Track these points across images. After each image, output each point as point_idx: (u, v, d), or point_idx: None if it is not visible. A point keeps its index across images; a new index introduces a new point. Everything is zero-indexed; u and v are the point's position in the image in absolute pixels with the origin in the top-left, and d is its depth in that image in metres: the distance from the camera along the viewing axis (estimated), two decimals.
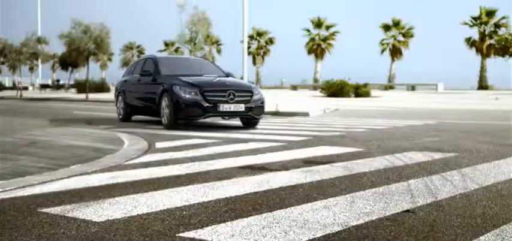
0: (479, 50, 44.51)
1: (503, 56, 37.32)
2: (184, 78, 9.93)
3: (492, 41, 43.39)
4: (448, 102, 23.95)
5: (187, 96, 9.39)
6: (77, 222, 2.94)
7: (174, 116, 9.52)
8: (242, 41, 26.99)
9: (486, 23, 44.41)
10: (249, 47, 60.61)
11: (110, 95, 42.90)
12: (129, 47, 77.33)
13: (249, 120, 9.99)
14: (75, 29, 32.31)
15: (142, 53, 78.76)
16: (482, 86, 46.68)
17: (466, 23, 45.45)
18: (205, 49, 34.18)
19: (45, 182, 4.16)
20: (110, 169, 4.93)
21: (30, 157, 5.55)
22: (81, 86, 45.51)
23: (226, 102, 9.28)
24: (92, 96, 37.48)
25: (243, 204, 3.35)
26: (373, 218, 2.96)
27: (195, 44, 29.72)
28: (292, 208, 3.22)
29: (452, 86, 46.82)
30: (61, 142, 7.05)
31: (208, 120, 10.44)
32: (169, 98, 9.60)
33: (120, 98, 12.51)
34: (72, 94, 46.64)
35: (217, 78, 10.53)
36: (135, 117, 12.35)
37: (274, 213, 3.10)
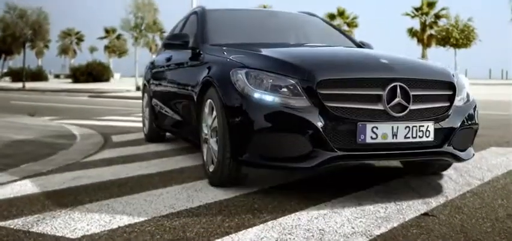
0: (420, 40, 45.75)
1: (444, 46, 38.66)
2: (263, 50, 3.65)
3: (432, 32, 44.79)
4: None
5: (269, 97, 3.09)
6: (46, 239, 2.41)
7: (233, 154, 3.28)
8: None
9: (427, 14, 45.70)
10: None
11: (48, 84, 41.00)
12: (67, 34, 74.22)
13: (438, 158, 3.35)
14: (9, 13, 30.34)
15: (82, 41, 75.84)
16: None
17: (408, 14, 46.60)
18: (148, 36, 33.01)
19: None
20: (68, 168, 4.36)
21: None
22: (17, 74, 43.20)
23: (385, 115, 3.00)
24: (29, 85, 35.55)
25: (239, 210, 2.92)
26: (395, 225, 2.61)
27: (140, 30, 28.58)
28: (297, 213, 2.82)
29: None
30: (4, 137, 6.32)
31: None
32: (219, 102, 3.37)
33: (145, 96, 6.38)
34: (6, 83, 44.08)
35: (349, 50, 4.16)
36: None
37: (280, 220, 2.69)
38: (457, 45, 37.84)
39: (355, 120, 2.94)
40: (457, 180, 3.74)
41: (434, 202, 3.08)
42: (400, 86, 3.01)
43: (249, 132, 3.11)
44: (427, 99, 3.15)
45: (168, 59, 5.31)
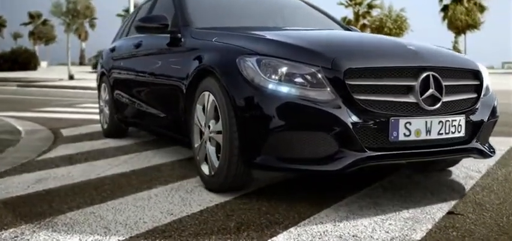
0: None
1: None
2: (266, 34, 3.22)
3: (366, 21, 46.04)
4: None
5: (286, 89, 2.61)
6: None
7: (243, 156, 2.79)
8: (123, 16, 25.16)
9: (360, 4, 46.95)
10: None
11: None
12: None
13: (466, 156, 3.04)
14: None
15: (4, 26, 71.38)
16: None
17: (342, 4, 47.61)
18: (78, 23, 31.32)
19: None
20: (25, 168, 3.85)
21: None
22: None
23: (417, 109, 2.65)
24: None
25: (250, 214, 2.59)
26: (429, 226, 2.39)
27: (73, 16, 26.96)
28: (316, 217, 2.54)
29: None
30: None
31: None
32: (223, 95, 2.87)
33: (104, 87, 5.73)
34: None
35: (371, 36, 4.00)
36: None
37: (304, 227, 2.39)
38: (390, 35, 39.11)
39: (388, 115, 2.55)
40: (455, 172, 3.62)
41: (449, 198, 2.91)
42: (432, 76, 2.66)
43: (263, 131, 2.63)
44: (458, 90, 2.84)
45: (137, 45, 4.67)
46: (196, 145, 3.28)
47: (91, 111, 9.04)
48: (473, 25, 42.38)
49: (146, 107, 4.40)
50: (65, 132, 6.07)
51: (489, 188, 3.17)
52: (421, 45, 3.02)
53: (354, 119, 2.51)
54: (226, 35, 3.32)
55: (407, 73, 2.66)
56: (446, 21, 44.17)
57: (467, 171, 3.64)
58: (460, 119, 2.76)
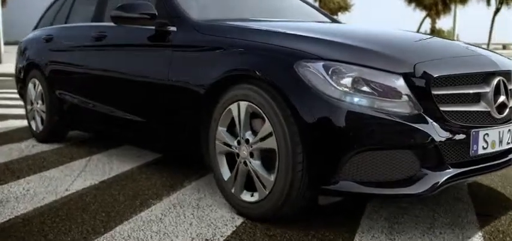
0: None
1: None
2: (315, 34, 2.68)
3: None
4: None
5: (363, 100, 2.24)
6: None
7: (315, 181, 2.34)
8: None
9: None
10: None
11: None
12: None
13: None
14: None
15: None
16: None
17: None
18: None
19: None
20: None
21: None
22: None
23: (489, 118, 2.46)
24: None
25: (292, 233, 2.37)
26: (479, 232, 2.38)
27: None
28: (364, 230, 2.41)
29: None
30: None
31: None
32: (280, 108, 2.35)
33: (34, 83, 4.79)
34: None
35: (440, 39, 3.35)
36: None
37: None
38: None
39: (469, 127, 2.33)
40: None
41: (460, 196, 2.95)
42: (502, 81, 2.48)
43: (341, 151, 2.21)
44: None
45: (99, 37, 3.83)
46: (223, 171, 2.71)
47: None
48: (345, 7, 45.07)
49: (119, 113, 3.61)
50: None
51: (485, 183, 3.28)
52: (475, 47, 2.88)
53: (442, 133, 2.24)
54: (258, 32, 2.78)
55: (480, 79, 2.46)
56: (318, 3, 46.21)
57: None
58: None
